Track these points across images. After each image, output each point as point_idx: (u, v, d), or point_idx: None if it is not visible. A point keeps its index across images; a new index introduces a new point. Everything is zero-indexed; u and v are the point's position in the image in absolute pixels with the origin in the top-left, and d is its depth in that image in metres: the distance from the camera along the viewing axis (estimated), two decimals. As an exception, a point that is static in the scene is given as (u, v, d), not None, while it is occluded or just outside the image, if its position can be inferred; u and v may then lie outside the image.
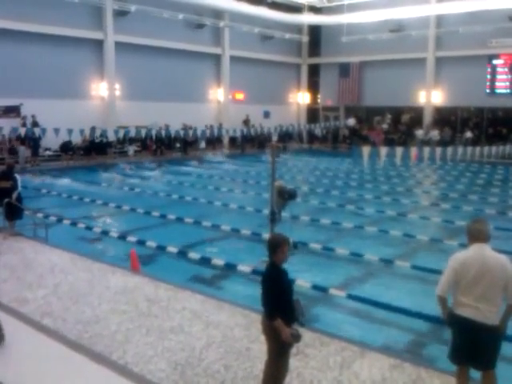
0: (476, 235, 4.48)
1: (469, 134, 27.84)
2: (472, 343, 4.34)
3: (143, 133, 19.13)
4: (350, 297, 7.71)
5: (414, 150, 8.98)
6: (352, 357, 5.60)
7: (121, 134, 19.13)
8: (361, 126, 32.58)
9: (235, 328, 6.31)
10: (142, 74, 26.13)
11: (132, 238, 10.63)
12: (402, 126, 31.55)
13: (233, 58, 30.52)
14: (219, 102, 30.80)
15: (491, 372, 4.45)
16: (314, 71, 36.19)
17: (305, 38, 34.55)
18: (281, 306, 4.32)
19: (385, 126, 31.47)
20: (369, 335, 6.65)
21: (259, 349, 5.78)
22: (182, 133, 21.09)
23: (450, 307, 4.50)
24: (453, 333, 4.53)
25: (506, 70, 28.00)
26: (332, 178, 20.17)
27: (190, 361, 5.51)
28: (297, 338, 4.36)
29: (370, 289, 8.34)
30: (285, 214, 13.03)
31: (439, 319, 4.74)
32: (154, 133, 19.01)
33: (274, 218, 6.40)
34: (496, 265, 4.33)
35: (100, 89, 25.20)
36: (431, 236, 11.37)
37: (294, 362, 5.44)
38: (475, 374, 4.61)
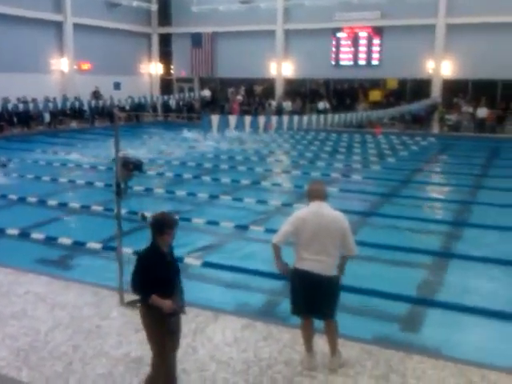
0: (314, 194, 4.72)
1: (327, 105, 28.88)
2: (313, 294, 4.58)
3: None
4: (205, 264, 7.75)
5: (262, 119, 9.09)
6: (205, 322, 5.63)
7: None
8: (215, 97, 32.68)
9: (84, 307, 6.01)
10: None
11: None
12: (256, 97, 32.27)
13: (77, 26, 28.52)
14: (63, 72, 28.74)
15: (332, 321, 4.75)
16: (166, 41, 35.30)
17: (154, 7, 33.44)
18: (154, 286, 3.94)
19: (239, 97, 31.90)
20: (224, 300, 6.74)
21: (110, 325, 5.59)
22: (21, 106, 19.34)
23: (293, 264, 4.69)
24: (294, 286, 4.73)
25: (349, 42, 29.70)
26: (188, 150, 20.03)
27: (34, 345, 5.18)
28: (181, 308, 4.09)
29: (226, 255, 8.46)
30: (139, 188, 12.70)
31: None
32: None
33: (119, 191, 6.10)
34: (332, 220, 4.59)
35: None
36: (283, 201, 11.86)
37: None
38: (319, 324, 4.88)
